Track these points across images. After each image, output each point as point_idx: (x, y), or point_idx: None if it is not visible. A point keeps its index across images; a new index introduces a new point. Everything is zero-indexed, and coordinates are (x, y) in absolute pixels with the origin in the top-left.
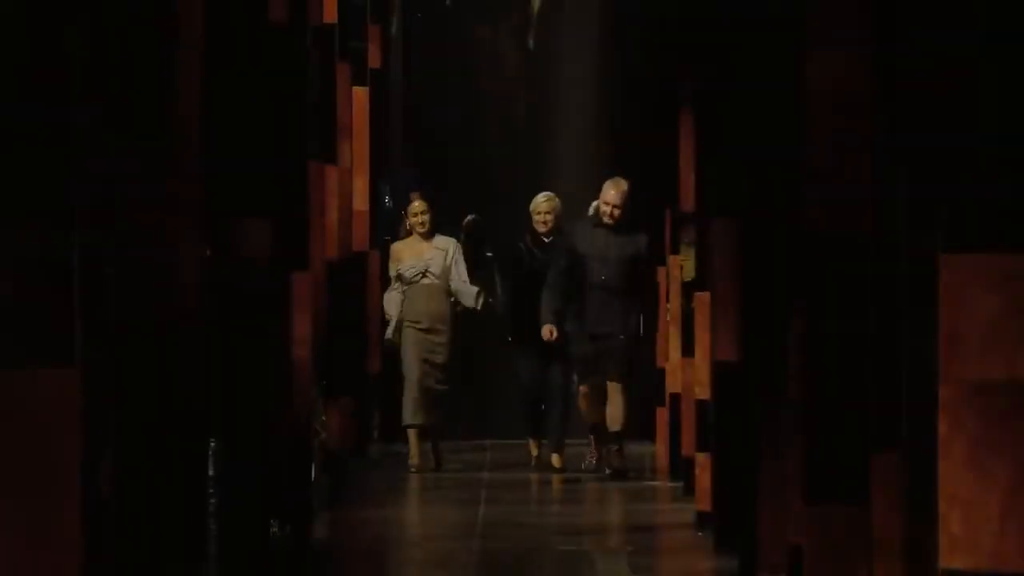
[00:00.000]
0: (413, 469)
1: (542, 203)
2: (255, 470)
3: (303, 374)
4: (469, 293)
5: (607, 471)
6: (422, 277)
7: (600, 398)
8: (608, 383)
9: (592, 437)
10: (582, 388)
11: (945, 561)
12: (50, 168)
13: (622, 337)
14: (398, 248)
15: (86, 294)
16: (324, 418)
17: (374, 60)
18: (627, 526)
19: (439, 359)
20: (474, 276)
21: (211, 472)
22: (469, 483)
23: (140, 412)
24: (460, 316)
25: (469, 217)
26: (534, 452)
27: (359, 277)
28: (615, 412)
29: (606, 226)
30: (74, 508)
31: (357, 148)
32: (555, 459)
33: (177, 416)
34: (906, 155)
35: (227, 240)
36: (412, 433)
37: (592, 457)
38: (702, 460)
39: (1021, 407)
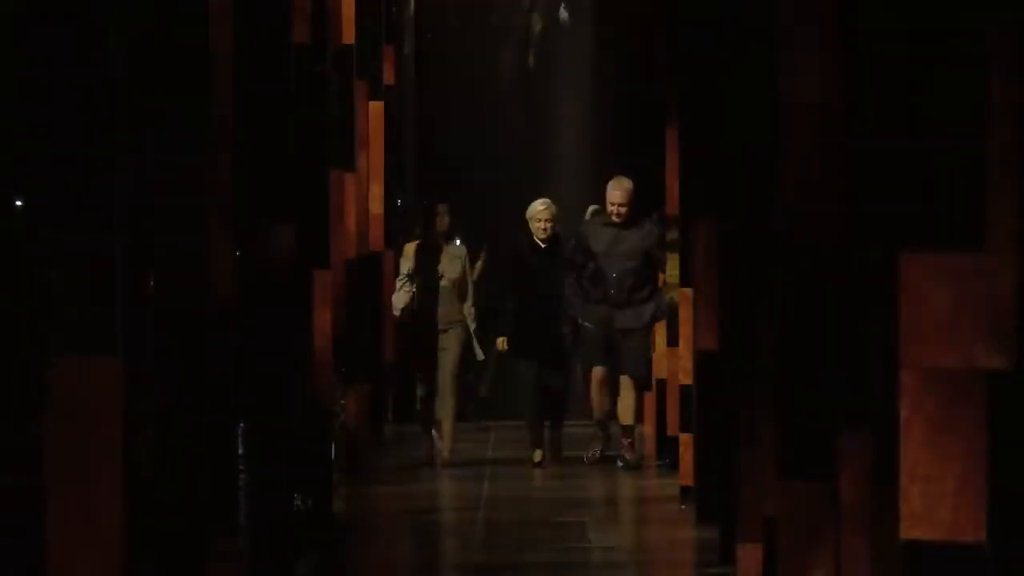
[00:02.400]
0: (442, 457)
1: (541, 211)
2: (280, 450)
3: (324, 362)
4: (470, 315)
5: (619, 464)
6: (439, 280)
7: (610, 391)
8: (622, 378)
9: (599, 430)
10: (594, 376)
11: (906, 532)
12: (96, 173)
13: (639, 334)
14: (408, 249)
15: (128, 289)
16: (343, 402)
17: (388, 77)
18: (617, 500)
19: (452, 355)
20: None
21: (240, 451)
22: (474, 463)
23: (177, 397)
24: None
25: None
26: (536, 459)
27: (375, 274)
28: (627, 406)
29: (615, 224)
30: (116, 486)
31: (373, 157)
32: (537, 454)
33: (210, 401)
34: (869, 163)
35: (255, 241)
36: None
37: (596, 450)
38: (685, 440)
39: (974, 392)
